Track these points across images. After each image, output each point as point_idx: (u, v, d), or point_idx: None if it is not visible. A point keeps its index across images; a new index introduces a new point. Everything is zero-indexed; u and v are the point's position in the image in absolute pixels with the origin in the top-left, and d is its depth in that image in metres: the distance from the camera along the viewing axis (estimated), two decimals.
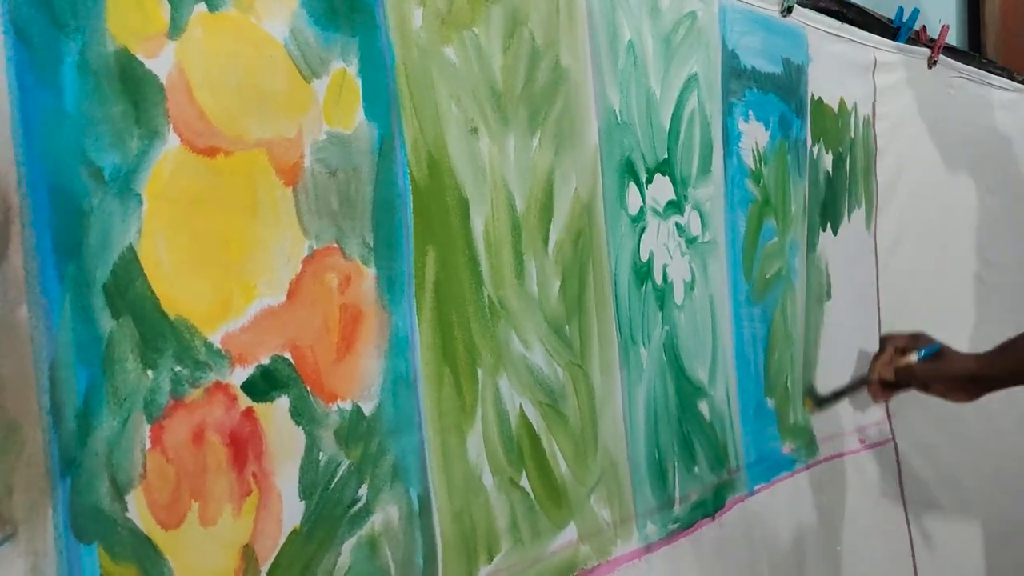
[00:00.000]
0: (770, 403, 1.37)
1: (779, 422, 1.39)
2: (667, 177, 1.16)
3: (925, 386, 1.32)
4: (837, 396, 1.48)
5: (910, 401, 1.67)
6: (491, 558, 0.89)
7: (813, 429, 1.47)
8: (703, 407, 1.22)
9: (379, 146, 0.81)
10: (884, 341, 1.38)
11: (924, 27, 1.79)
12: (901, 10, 1.71)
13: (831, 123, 1.52)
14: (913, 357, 1.32)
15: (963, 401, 1.32)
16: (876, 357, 1.36)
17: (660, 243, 1.14)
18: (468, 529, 0.87)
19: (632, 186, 1.10)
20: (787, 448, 1.41)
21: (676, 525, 1.14)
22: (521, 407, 0.94)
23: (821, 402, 1.49)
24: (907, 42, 1.72)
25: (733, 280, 1.29)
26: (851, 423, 1.58)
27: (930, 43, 1.79)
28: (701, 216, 1.22)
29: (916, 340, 1.34)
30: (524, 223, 0.95)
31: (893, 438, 1.66)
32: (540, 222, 0.97)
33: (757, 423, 1.34)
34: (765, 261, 1.36)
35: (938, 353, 1.32)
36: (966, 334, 1.89)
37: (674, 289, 1.17)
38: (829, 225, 1.53)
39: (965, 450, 1.85)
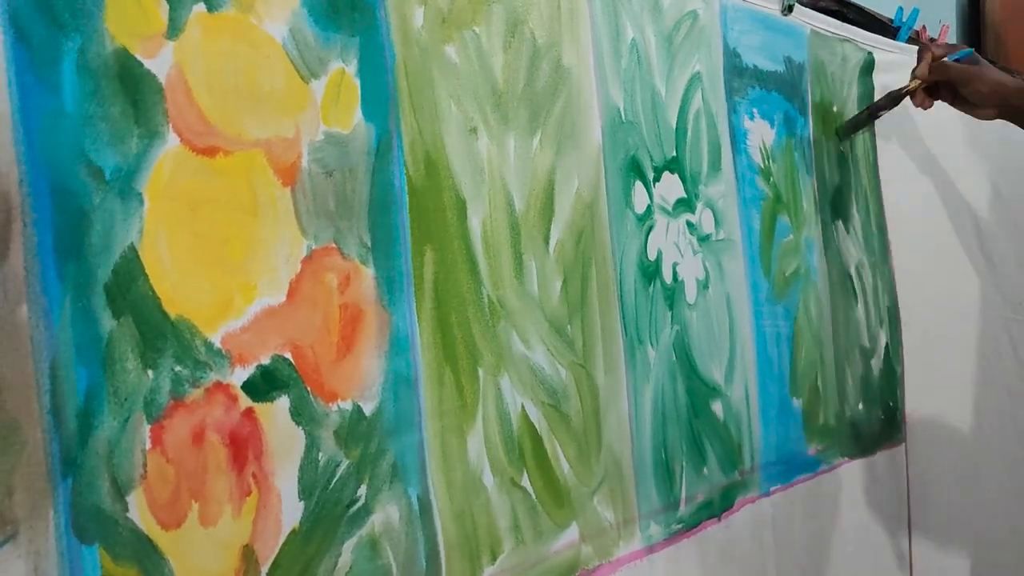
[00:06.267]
0: (796, 403, 1.36)
1: (806, 422, 1.38)
2: (676, 175, 1.16)
3: (956, 90, 1.34)
4: (868, 116, 1.50)
5: (925, 402, 1.67)
6: (494, 559, 0.89)
7: (844, 430, 1.48)
8: (717, 407, 1.21)
9: (376, 146, 0.81)
10: (923, 48, 1.40)
11: (924, 27, 1.79)
12: (901, 10, 1.71)
13: (834, 122, 1.52)
14: (947, 59, 1.35)
15: (988, 117, 1.35)
16: (916, 65, 1.39)
17: (669, 241, 1.14)
18: (470, 530, 0.87)
19: (638, 184, 1.10)
20: (813, 449, 1.40)
21: (680, 526, 1.14)
22: (523, 407, 0.93)
23: (848, 127, 1.51)
24: (907, 42, 1.72)
25: (752, 278, 1.29)
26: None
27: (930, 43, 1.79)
28: (715, 214, 1.22)
29: (953, 48, 1.37)
30: (523, 223, 0.95)
31: (905, 440, 1.65)
32: (540, 221, 0.97)
33: (780, 423, 1.33)
34: (782, 258, 1.36)
35: (972, 58, 1.35)
36: (972, 330, 1.89)
37: (685, 288, 1.16)
38: (841, 223, 1.52)
39: (977, 455, 1.84)
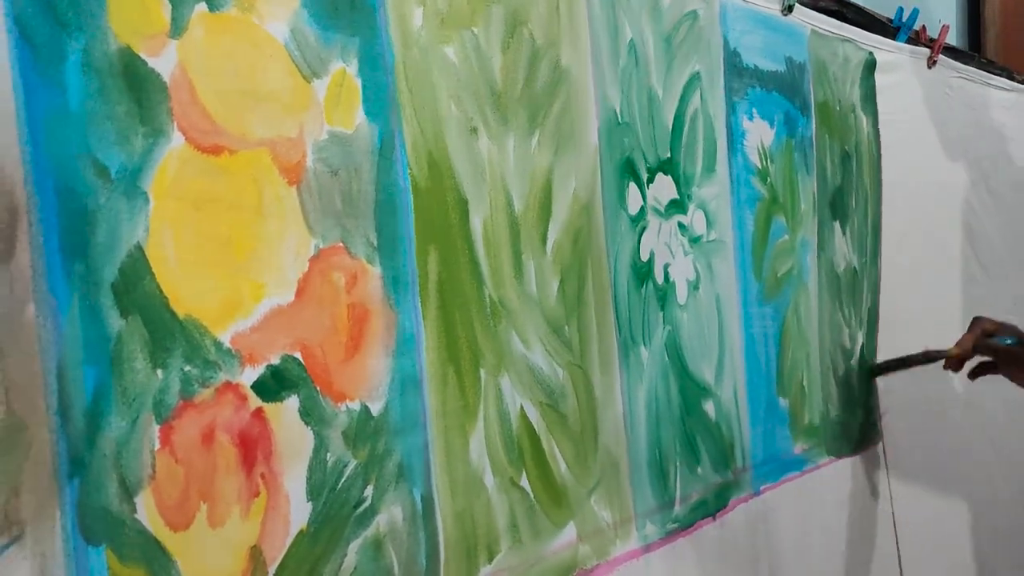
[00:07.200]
0: (783, 403, 1.38)
1: (792, 422, 1.40)
2: (669, 176, 1.16)
3: (1005, 367, 1.42)
4: (901, 364, 1.56)
5: (900, 398, 1.68)
6: (491, 558, 0.89)
7: (827, 430, 1.49)
8: (708, 407, 1.21)
9: (379, 146, 0.81)
10: (975, 322, 1.47)
11: (924, 27, 1.80)
12: (901, 10, 1.71)
13: (837, 121, 1.52)
14: (996, 341, 1.43)
15: None
16: (966, 334, 1.46)
17: (661, 242, 1.14)
18: (469, 529, 0.87)
19: (632, 186, 1.10)
20: (799, 448, 1.41)
21: (675, 525, 1.14)
22: (522, 407, 0.93)
23: (881, 368, 1.57)
24: (907, 42, 1.73)
25: (743, 279, 1.29)
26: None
27: (930, 43, 1.80)
28: (706, 215, 1.22)
29: (1003, 328, 1.45)
30: (522, 222, 0.95)
31: (882, 438, 1.66)
32: (539, 221, 0.97)
33: (767, 423, 1.34)
34: (776, 260, 1.36)
35: (1020, 344, 1.42)
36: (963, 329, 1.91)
37: (676, 289, 1.16)
38: (838, 224, 1.53)
39: (955, 450, 1.86)
